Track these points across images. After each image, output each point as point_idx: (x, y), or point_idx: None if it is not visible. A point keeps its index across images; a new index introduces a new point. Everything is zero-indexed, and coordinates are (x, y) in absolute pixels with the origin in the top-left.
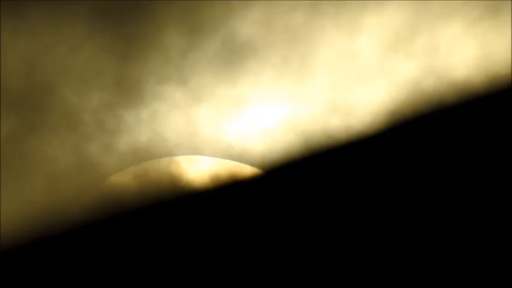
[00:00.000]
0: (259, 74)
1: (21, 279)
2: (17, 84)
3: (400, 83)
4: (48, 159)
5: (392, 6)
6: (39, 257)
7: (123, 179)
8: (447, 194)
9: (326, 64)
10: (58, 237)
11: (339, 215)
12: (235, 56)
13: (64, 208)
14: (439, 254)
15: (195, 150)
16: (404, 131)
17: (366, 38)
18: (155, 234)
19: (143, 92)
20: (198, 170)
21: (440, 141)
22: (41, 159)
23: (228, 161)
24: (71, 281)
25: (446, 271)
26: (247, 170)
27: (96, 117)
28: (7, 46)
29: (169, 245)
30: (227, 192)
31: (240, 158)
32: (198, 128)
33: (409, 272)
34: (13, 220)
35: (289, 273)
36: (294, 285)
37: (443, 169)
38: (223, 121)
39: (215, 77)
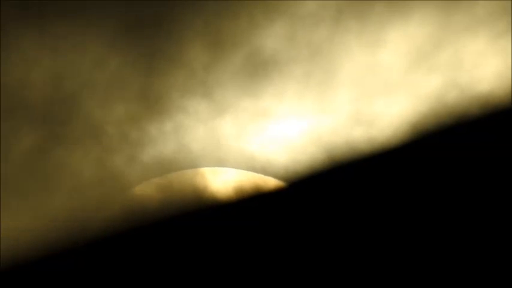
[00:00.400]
0: (283, 87)
1: None
2: (42, 97)
3: (423, 96)
4: (72, 171)
5: (416, 21)
6: (62, 268)
7: (146, 190)
8: (468, 205)
9: (349, 78)
10: (81, 249)
11: (361, 226)
12: (258, 70)
13: (88, 219)
14: (461, 262)
15: (219, 162)
16: (427, 143)
17: (389, 52)
18: (179, 246)
19: (167, 105)
20: (221, 181)
21: (463, 154)
22: (65, 171)
23: (252, 173)
24: None
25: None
26: (270, 182)
27: (120, 130)
28: (33, 61)
29: (193, 256)
30: (251, 204)
31: (263, 170)
32: (222, 140)
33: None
34: (37, 231)
35: (309, 284)
36: None
37: (465, 181)
38: (246, 134)
39: (238, 90)
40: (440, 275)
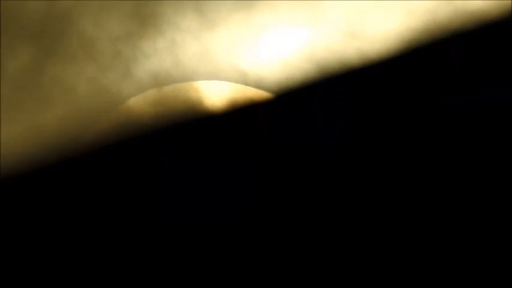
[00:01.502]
0: (275, 2)
1: (38, 199)
2: (36, 14)
3: (416, 12)
4: (66, 86)
5: None
6: (57, 178)
7: (140, 103)
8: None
9: None
10: (76, 160)
11: (351, 138)
12: None
13: (81, 132)
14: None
15: (212, 76)
16: (419, 58)
17: None
18: (172, 157)
19: (160, 22)
20: (214, 94)
21: (453, 70)
22: (59, 86)
23: (244, 86)
24: (85, 201)
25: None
26: (262, 96)
27: (114, 46)
28: None
29: (187, 171)
30: (243, 116)
31: (256, 85)
32: (215, 55)
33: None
34: (32, 144)
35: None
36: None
37: (454, 96)
38: (239, 48)
39: (231, 5)
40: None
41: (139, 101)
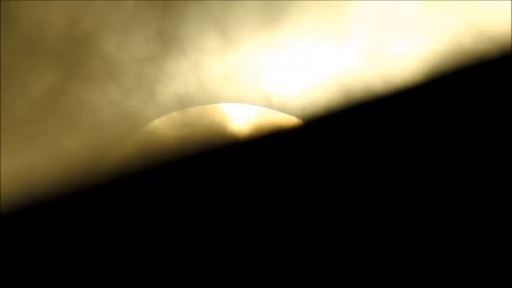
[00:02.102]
0: (298, 26)
1: (60, 227)
2: (59, 36)
3: (439, 37)
4: (89, 110)
5: None
6: (76, 206)
7: (164, 125)
8: (480, 148)
9: (365, 18)
10: (97, 186)
11: (374, 165)
12: (274, 7)
13: (105, 155)
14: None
15: (235, 99)
16: (443, 83)
17: None
18: (196, 182)
19: (183, 43)
20: (238, 117)
21: (477, 95)
22: (82, 110)
23: (268, 109)
24: (109, 228)
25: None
26: (287, 120)
27: (137, 68)
28: (50, 0)
29: (212, 193)
30: (268, 141)
31: (280, 108)
32: (238, 78)
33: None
34: (54, 170)
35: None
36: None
37: (479, 122)
38: (263, 71)
39: (254, 28)
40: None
41: (163, 123)
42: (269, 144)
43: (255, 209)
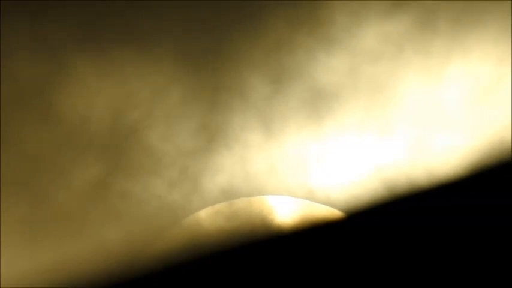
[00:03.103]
0: (343, 121)
1: None
2: (103, 129)
3: (485, 133)
4: (133, 201)
5: (477, 55)
6: None
7: (208, 217)
8: None
9: (409, 113)
10: (141, 280)
11: (418, 260)
12: (318, 104)
13: (147, 250)
14: None
15: (280, 192)
16: (489, 181)
17: (450, 88)
18: (241, 274)
19: (227, 138)
20: (283, 210)
21: None
22: (126, 201)
23: (313, 203)
24: None
25: None
26: (331, 214)
27: (181, 162)
28: (93, 91)
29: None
30: (314, 234)
31: (324, 202)
32: (282, 172)
33: None
34: (98, 262)
35: None
36: None
37: None
38: (307, 165)
39: (299, 123)
40: None
41: (208, 215)
42: (312, 237)
43: None
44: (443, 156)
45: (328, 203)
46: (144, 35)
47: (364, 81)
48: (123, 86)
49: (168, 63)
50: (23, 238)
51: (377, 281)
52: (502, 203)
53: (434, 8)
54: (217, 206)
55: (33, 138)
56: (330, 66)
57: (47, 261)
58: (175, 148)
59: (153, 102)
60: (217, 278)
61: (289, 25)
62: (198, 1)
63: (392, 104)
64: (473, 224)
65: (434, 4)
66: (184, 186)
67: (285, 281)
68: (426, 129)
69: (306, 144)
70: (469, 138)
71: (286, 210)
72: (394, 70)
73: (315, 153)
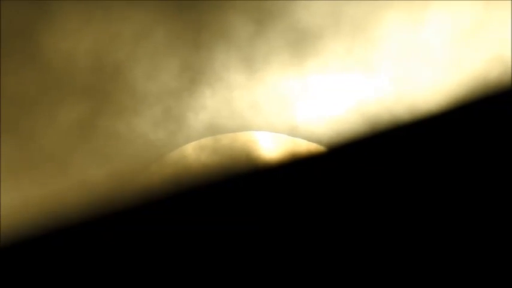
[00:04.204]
0: (326, 60)
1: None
2: (86, 69)
3: (467, 72)
4: (117, 141)
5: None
6: (105, 233)
7: (193, 150)
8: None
9: (392, 54)
10: (121, 212)
11: (398, 193)
12: (300, 43)
13: (132, 184)
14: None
15: (262, 129)
16: (470, 115)
17: (432, 29)
18: (220, 207)
19: (210, 78)
20: (265, 145)
21: (504, 128)
22: (110, 141)
23: (296, 138)
24: (138, 254)
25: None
26: (314, 148)
27: (164, 102)
28: (77, 33)
29: (237, 218)
30: (297, 167)
31: (306, 139)
32: (265, 111)
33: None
34: (81, 198)
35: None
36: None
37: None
38: (289, 102)
39: (281, 62)
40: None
41: (193, 149)
42: (294, 170)
43: (278, 233)
44: (425, 92)
45: (311, 139)
46: None
47: (346, 22)
48: (107, 27)
49: (152, 5)
50: (7, 178)
51: (359, 215)
52: (482, 137)
53: None
54: (202, 141)
55: (17, 80)
56: (312, 7)
57: (31, 199)
58: (158, 88)
59: (137, 43)
60: (200, 212)
61: None
62: None
63: (375, 44)
64: (452, 159)
65: None
66: (168, 125)
67: (269, 213)
68: (408, 67)
69: (289, 82)
70: (451, 74)
71: (270, 145)
72: (376, 11)
73: (298, 91)
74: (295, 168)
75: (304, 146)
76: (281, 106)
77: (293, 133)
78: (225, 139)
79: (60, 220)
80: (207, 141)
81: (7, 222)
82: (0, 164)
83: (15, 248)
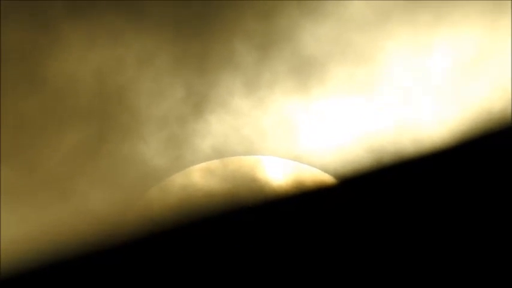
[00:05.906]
0: (329, 89)
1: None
2: (88, 92)
3: (470, 102)
4: (119, 168)
5: (463, 27)
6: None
7: (200, 172)
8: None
9: (395, 82)
10: (123, 246)
11: (405, 226)
12: (304, 70)
13: (133, 214)
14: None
15: (268, 154)
16: (473, 149)
17: (436, 58)
18: (227, 236)
19: (213, 103)
20: (270, 170)
21: (508, 161)
22: (110, 166)
23: (298, 164)
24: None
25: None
26: (318, 176)
27: (166, 126)
28: (81, 57)
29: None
30: (300, 197)
31: (311, 168)
32: (268, 136)
33: None
34: (80, 228)
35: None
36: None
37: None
38: (294, 132)
39: (285, 89)
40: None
41: (197, 172)
42: (299, 198)
43: (282, 259)
44: (429, 123)
45: (315, 165)
46: (132, 0)
47: (351, 50)
48: (110, 51)
49: (156, 29)
50: (11, 202)
51: (362, 246)
52: (486, 171)
53: None
54: (207, 164)
55: (21, 103)
56: (317, 34)
57: (35, 225)
58: (163, 112)
59: (141, 68)
60: (206, 238)
61: None
62: None
63: (379, 71)
64: (455, 193)
65: None
66: (172, 150)
67: (275, 239)
68: (412, 99)
69: (294, 108)
70: (455, 108)
71: (275, 171)
72: (380, 39)
73: (302, 116)
74: (301, 196)
75: (309, 173)
76: (286, 132)
77: (297, 159)
78: (231, 163)
79: (61, 249)
80: (212, 164)
81: (8, 251)
82: (1, 188)
83: (16, 278)
